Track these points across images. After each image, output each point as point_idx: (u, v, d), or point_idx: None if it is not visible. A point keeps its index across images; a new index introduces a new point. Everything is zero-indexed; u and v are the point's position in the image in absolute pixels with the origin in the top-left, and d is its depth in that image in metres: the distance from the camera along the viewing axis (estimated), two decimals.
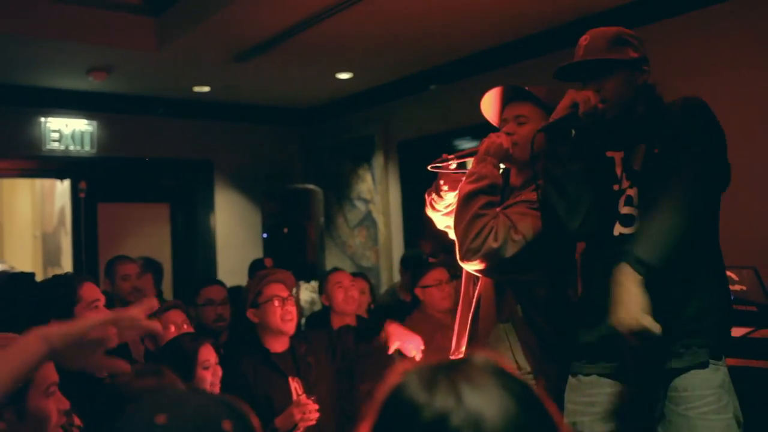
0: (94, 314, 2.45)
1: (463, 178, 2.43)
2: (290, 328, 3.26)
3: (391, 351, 3.24)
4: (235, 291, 5.11)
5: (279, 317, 3.22)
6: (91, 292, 2.50)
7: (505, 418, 0.85)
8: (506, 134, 2.47)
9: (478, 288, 2.50)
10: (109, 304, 3.81)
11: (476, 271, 2.36)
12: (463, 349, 2.54)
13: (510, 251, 2.24)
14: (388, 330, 3.27)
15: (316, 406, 3.01)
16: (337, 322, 3.96)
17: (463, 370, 0.89)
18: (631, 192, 2.14)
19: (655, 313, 1.96)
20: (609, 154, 2.23)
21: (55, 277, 2.71)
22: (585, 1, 4.38)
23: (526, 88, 2.58)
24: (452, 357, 2.60)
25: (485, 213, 2.29)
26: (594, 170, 2.19)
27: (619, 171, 2.18)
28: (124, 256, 4.63)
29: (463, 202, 2.35)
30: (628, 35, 2.22)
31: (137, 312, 1.53)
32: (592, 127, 2.20)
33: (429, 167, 2.58)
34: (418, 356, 3.14)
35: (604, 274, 2.11)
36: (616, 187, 2.17)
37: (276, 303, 3.24)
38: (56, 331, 1.42)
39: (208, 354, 2.81)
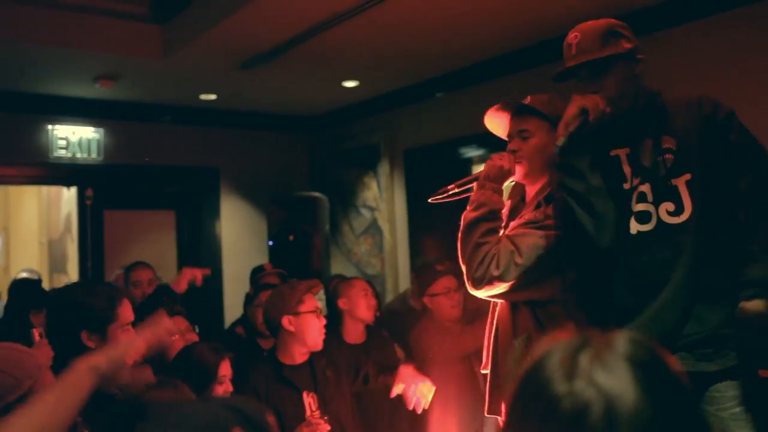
0: (126, 336, 2.43)
1: (467, 207, 2.44)
2: (321, 344, 3.18)
3: (392, 395, 3.17)
4: (247, 297, 5.13)
5: (318, 332, 3.14)
6: (127, 312, 2.47)
7: (638, 406, 0.85)
8: (511, 152, 2.47)
9: (497, 309, 2.50)
10: None
11: (488, 297, 2.38)
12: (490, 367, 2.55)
13: (512, 276, 2.25)
14: (399, 372, 3.18)
15: (328, 427, 2.93)
16: (350, 328, 3.92)
17: (603, 355, 0.90)
18: (644, 188, 2.15)
19: (693, 315, 2.04)
20: (613, 152, 2.22)
21: (95, 285, 2.67)
22: (590, 11, 4.39)
23: (529, 98, 2.56)
24: (483, 370, 2.61)
25: (486, 241, 2.31)
26: (608, 176, 2.18)
27: (626, 168, 2.18)
28: (141, 262, 4.65)
29: (465, 232, 2.36)
30: (618, 26, 2.23)
31: (168, 329, 1.62)
32: (599, 130, 2.19)
33: (430, 200, 2.58)
34: (423, 403, 3.06)
35: (630, 273, 2.15)
36: (626, 186, 2.17)
37: (316, 316, 3.15)
38: (101, 359, 1.50)
39: (226, 369, 2.78)
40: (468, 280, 2.33)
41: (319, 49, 5.00)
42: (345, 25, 4.49)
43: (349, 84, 6.05)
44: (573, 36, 2.26)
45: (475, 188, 2.44)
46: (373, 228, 6.75)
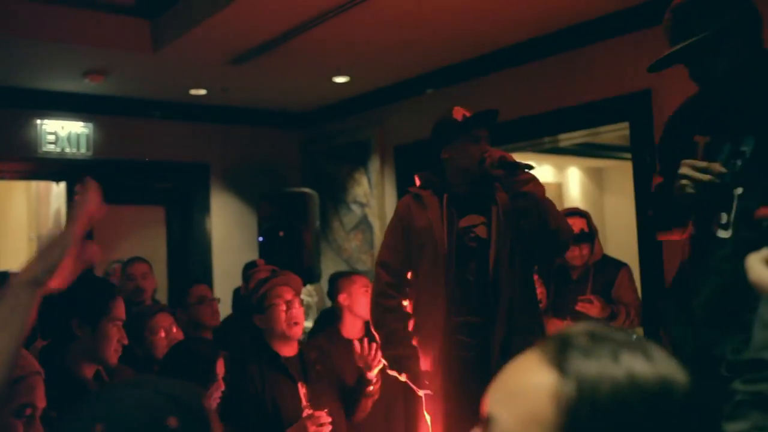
0: (115, 331, 2.42)
1: (522, 185, 2.75)
2: (296, 332, 3.22)
3: None
4: (236, 292, 5.11)
5: (284, 322, 3.17)
6: (120, 309, 2.47)
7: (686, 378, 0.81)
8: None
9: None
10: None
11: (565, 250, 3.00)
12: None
13: None
14: None
15: (329, 418, 2.99)
16: (349, 324, 3.91)
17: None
18: None
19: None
20: (696, 137, 1.96)
21: (95, 277, 2.67)
22: (581, 7, 4.39)
23: None
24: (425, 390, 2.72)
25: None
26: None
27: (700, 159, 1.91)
28: (138, 257, 4.68)
29: (544, 202, 2.74)
30: None
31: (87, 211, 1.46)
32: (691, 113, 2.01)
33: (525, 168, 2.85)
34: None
35: (715, 277, 1.93)
36: None
37: (281, 307, 3.18)
38: (34, 266, 1.37)
39: (221, 367, 2.79)
40: (563, 235, 2.72)
41: (310, 45, 4.99)
42: (335, 21, 4.48)
43: (340, 80, 6.04)
44: (666, 18, 1.95)
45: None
46: (364, 224, 6.75)
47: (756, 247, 1.74)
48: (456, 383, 2.69)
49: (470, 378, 2.65)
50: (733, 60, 1.86)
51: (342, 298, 3.93)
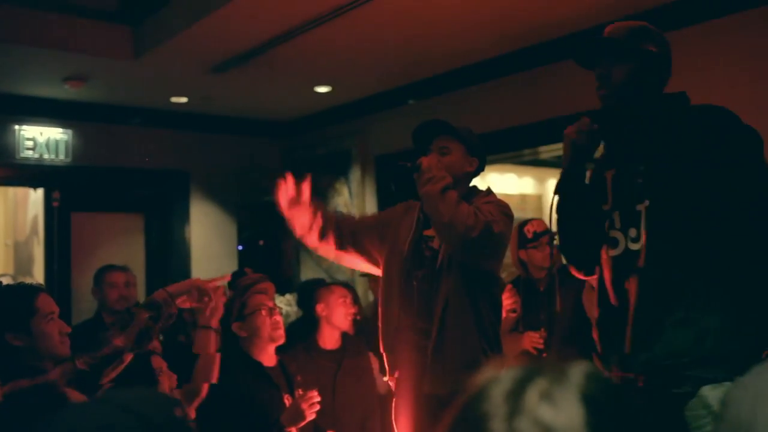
0: (51, 325, 2.41)
1: (421, 186, 2.68)
2: (280, 336, 3.22)
3: None
4: None
5: (269, 326, 3.18)
6: (46, 304, 2.47)
7: None
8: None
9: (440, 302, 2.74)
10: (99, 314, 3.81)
11: (474, 249, 2.60)
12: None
13: (497, 228, 2.59)
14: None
15: (319, 397, 3.06)
16: (326, 334, 3.89)
17: (554, 389, 0.78)
18: (615, 215, 2.16)
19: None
20: (606, 172, 2.23)
21: (9, 287, 2.68)
22: (561, 21, 4.43)
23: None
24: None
25: (462, 201, 2.61)
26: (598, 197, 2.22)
27: (609, 192, 2.20)
28: (113, 265, 4.61)
29: (440, 197, 2.60)
30: (653, 31, 2.20)
31: None
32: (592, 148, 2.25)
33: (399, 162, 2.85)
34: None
35: (607, 294, 2.17)
36: (606, 208, 2.20)
37: (264, 313, 3.18)
38: None
39: (158, 362, 2.81)
40: (458, 233, 2.56)
41: (292, 54, 5.00)
42: (318, 31, 4.49)
43: (322, 89, 6.05)
44: (607, 29, 2.28)
45: (424, 171, 2.70)
46: None
47: (670, 255, 1.99)
48: (411, 380, 2.79)
49: (422, 375, 2.75)
50: (628, 77, 2.16)
51: (320, 309, 3.91)
